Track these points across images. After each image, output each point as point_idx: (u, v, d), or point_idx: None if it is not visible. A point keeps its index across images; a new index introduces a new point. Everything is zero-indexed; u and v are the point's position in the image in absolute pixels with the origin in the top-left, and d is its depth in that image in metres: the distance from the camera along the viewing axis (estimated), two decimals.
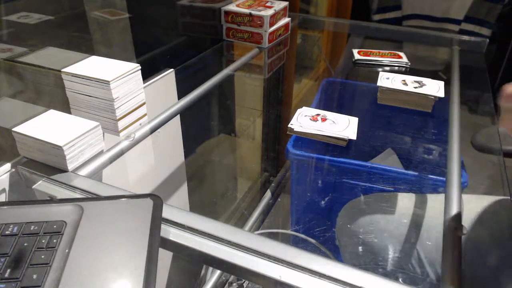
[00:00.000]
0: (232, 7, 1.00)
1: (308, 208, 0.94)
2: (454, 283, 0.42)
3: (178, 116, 0.73)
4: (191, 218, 0.45)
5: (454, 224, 0.49)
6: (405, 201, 0.74)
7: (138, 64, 0.62)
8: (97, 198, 0.49)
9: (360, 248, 0.71)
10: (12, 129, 0.54)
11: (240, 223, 1.22)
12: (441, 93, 0.76)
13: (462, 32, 1.19)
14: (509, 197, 0.59)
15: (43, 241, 0.40)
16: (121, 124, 0.61)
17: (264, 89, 1.34)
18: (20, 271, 0.37)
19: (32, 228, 0.41)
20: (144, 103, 0.64)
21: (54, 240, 0.40)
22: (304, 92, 1.67)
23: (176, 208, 0.46)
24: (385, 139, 0.75)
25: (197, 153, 1.11)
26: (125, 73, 0.59)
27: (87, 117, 0.58)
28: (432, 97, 0.76)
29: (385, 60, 0.97)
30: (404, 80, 0.81)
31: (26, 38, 0.59)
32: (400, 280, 0.65)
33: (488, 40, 1.07)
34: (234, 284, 0.95)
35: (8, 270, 0.37)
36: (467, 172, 0.73)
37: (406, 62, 0.96)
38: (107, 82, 0.57)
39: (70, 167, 0.53)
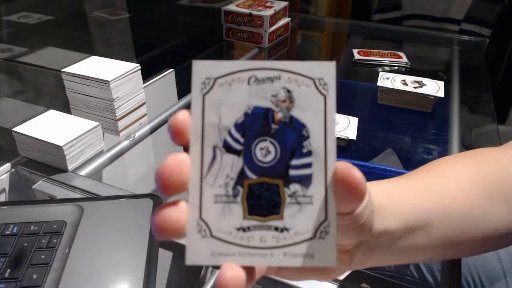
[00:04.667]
0: (232, 7, 1.00)
1: None
2: None
3: None
4: None
5: None
6: None
7: (138, 64, 0.62)
8: (97, 198, 0.49)
9: None
10: (12, 129, 0.54)
11: None
12: (441, 93, 0.76)
13: (462, 32, 1.19)
14: None
15: (43, 241, 0.40)
16: (121, 124, 0.61)
17: None
18: (20, 271, 0.37)
19: (32, 228, 0.41)
20: (144, 103, 0.64)
21: (54, 240, 0.40)
22: None
23: None
24: (385, 139, 0.74)
25: None
26: (125, 73, 0.59)
27: (87, 117, 0.58)
28: (432, 97, 0.76)
29: (385, 60, 0.97)
30: (404, 80, 0.81)
31: (26, 38, 0.59)
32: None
33: (488, 40, 1.07)
34: None
35: (8, 270, 0.37)
36: None
37: (406, 62, 0.95)
38: (107, 82, 0.57)
39: (70, 167, 0.53)
